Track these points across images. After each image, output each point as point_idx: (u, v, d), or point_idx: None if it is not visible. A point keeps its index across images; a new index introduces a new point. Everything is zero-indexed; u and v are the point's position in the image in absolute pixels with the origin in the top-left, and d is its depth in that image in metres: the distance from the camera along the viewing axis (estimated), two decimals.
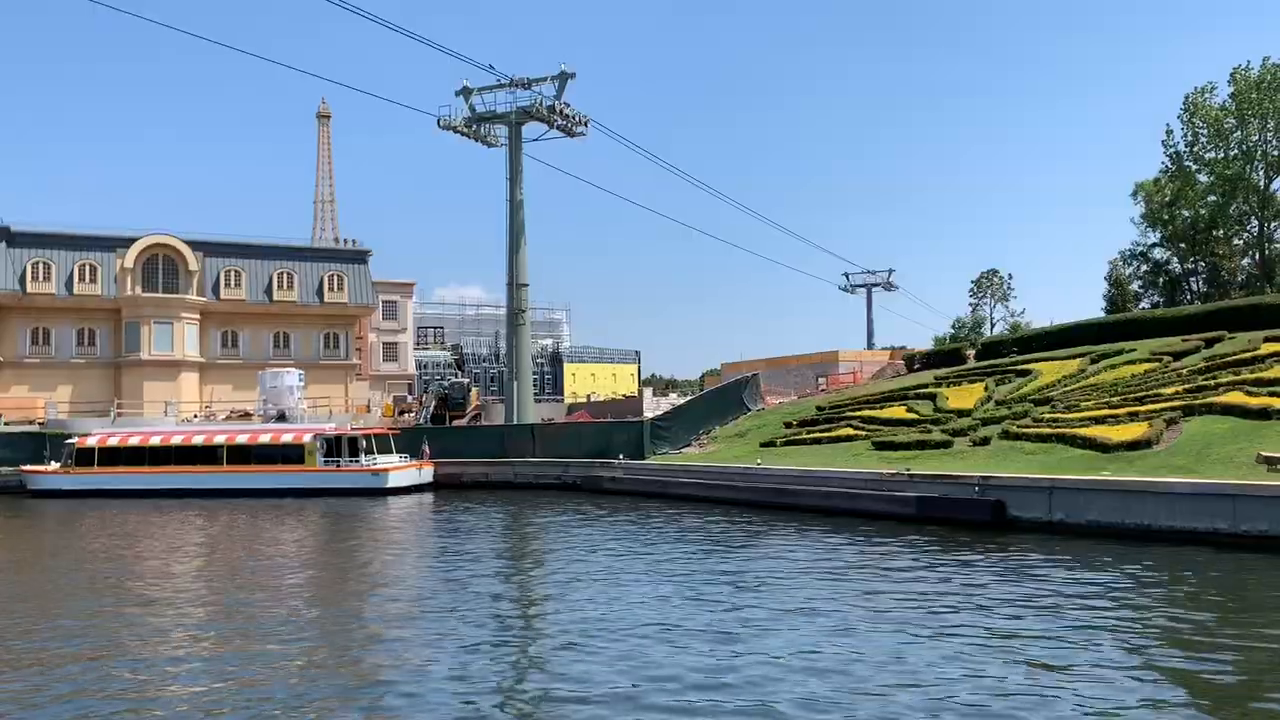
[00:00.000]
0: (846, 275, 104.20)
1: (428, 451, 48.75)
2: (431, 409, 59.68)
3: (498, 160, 56.59)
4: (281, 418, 52.31)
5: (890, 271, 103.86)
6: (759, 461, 38.05)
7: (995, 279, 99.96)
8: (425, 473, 47.69)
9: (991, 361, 46.19)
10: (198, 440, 48.25)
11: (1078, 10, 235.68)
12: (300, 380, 55.45)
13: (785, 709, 11.55)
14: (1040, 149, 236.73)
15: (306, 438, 47.35)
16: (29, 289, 63.91)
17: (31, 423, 55.82)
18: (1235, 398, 29.45)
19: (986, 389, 39.39)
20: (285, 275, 71.01)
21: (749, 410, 49.40)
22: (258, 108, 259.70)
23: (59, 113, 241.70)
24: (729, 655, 13.99)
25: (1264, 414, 27.64)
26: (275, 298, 70.77)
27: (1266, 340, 34.54)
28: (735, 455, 41.03)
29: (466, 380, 71.09)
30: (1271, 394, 28.79)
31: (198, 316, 68.16)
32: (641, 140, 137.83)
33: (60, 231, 65.99)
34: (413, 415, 61.48)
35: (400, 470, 46.44)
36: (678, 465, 41.93)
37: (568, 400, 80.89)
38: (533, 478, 47.18)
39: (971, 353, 51.55)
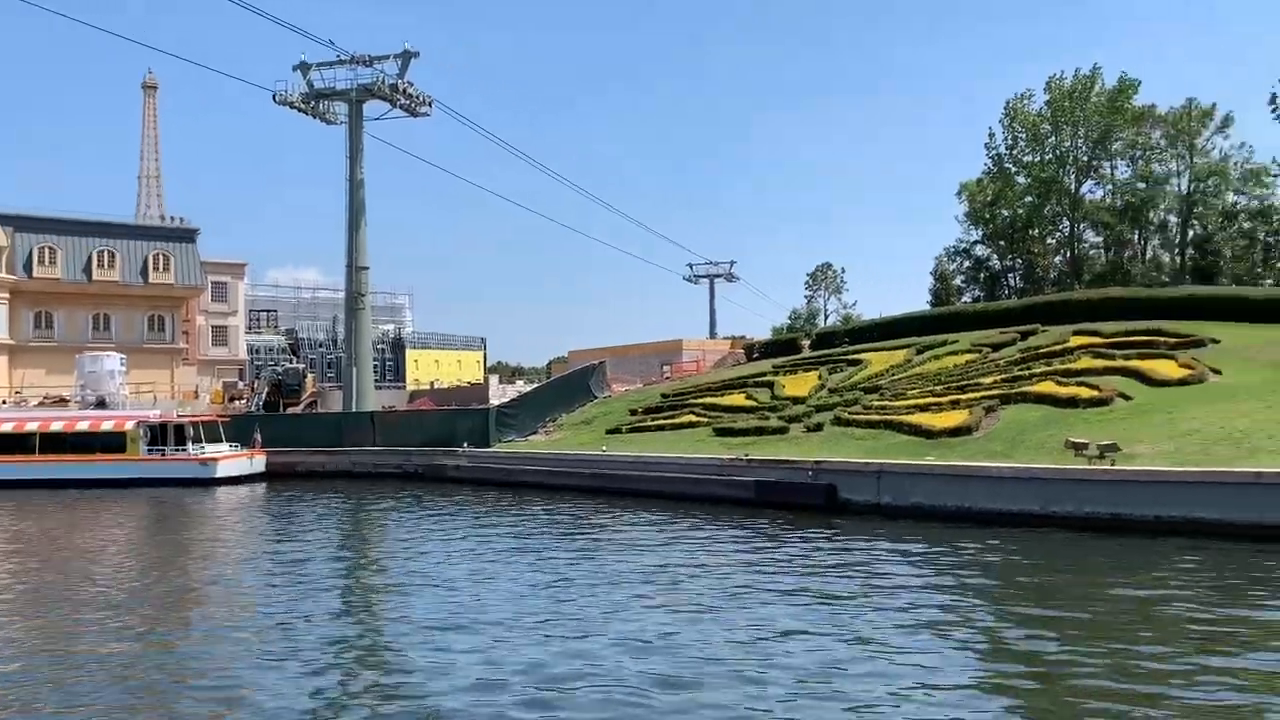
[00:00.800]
0: (690, 266, 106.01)
1: (259, 440, 47.01)
2: (264, 396, 57.60)
3: (338, 139, 55.02)
4: (101, 404, 49.38)
5: (732, 263, 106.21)
6: (604, 448, 38.38)
7: (829, 272, 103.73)
8: (257, 462, 45.98)
9: (825, 351, 47.95)
10: (7, 428, 45.08)
11: (909, 11, 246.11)
12: (122, 365, 52.47)
13: (624, 695, 11.73)
14: (874, 147, 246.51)
15: (128, 425, 44.96)
16: None
17: None
18: (1047, 387, 31.51)
19: (820, 378, 40.85)
20: (106, 253, 66.94)
21: (595, 398, 49.71)
22: (76, 76, 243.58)
23: None
24: (569, 642, 14.08)
25: (1072, 402, 29.67)
26: (95, 277, 66.62)
27: (1075, 334, 37.10)
28: (581, 442, 41.23)
29: (302, 366, 68.80)
30: (1079, 384, 30.92)
31: (7, 295, 63.47)
32: (493, 127, 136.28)
33: None
34: (244, 402, 59.24)
35: (230, 459, 44.63)
36: (523, 453, 41.84)
37: (410, 387, 79.42)
38: (372, 467, 46.15)
39: (807, 343, 53.41)
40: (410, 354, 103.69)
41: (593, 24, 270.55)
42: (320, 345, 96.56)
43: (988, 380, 34.19)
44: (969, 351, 38.98)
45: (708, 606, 16.17)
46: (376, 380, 64.33)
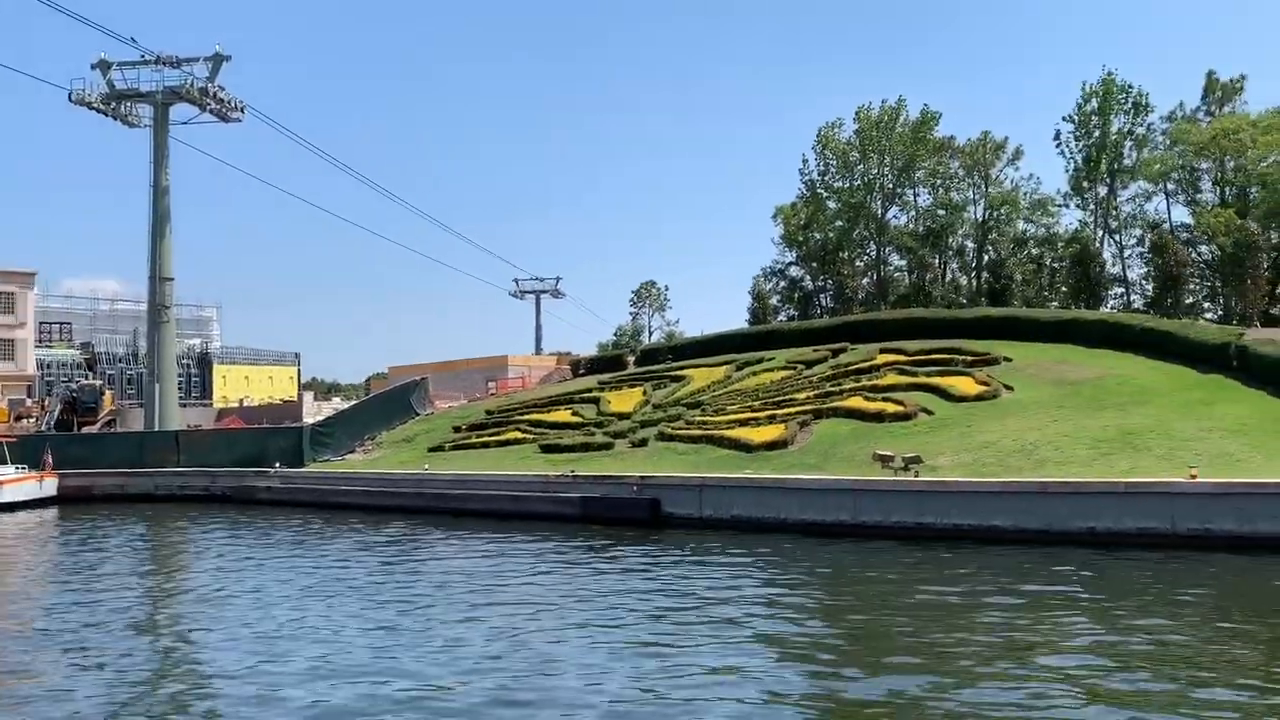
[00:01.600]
0: (516, 281, 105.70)
1: (49, 461, 43.69)
2: (57, 414, 53.77)
3: (141, 142, 52.05)
4: None
5: (558, 279, 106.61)
6: (426, 466, 37.64)
7: (653, 290, 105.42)
8: (47, 485, 42.68)
9: (649, 368, 48.70)
10: None
11: (731, 38, 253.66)
12: None
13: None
14: (699, 167, 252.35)
15: None
16: None
17: None
18: (856, 403, 33.06)
19: (645, 393, 41.46)
20: None
21: (417, 415, 48.71)
22: None
23: None
24: (386, 667, 13.75)
25: (879, 417, 31.24)
26: None
27: (881, 351, 39.08)
28: (402, 461, 40.31)
29: (99, 382, 64.48)
30: (885, 399, 32.58)
31: None
32: (316, 137, 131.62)
33: None
34: (33, 421, 55.04)
35: (15, 483, 41.21)
36: (339, 473, 40.53)
37: (218, 405, 75.72)
38: (176, 489, 43.63)
39: (632, 359, 54.11)
40: (218, 370, 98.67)
41: (418, 31, 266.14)
42: (120, 360, 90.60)
43: (802, 396, 35.54)
44: (785, 368, 40.42)
45: (518, 626, 16.07)
46: (182, 398, 61.05)
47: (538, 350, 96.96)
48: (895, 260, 76.95)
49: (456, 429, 43.29)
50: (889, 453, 26.97)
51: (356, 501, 36.89)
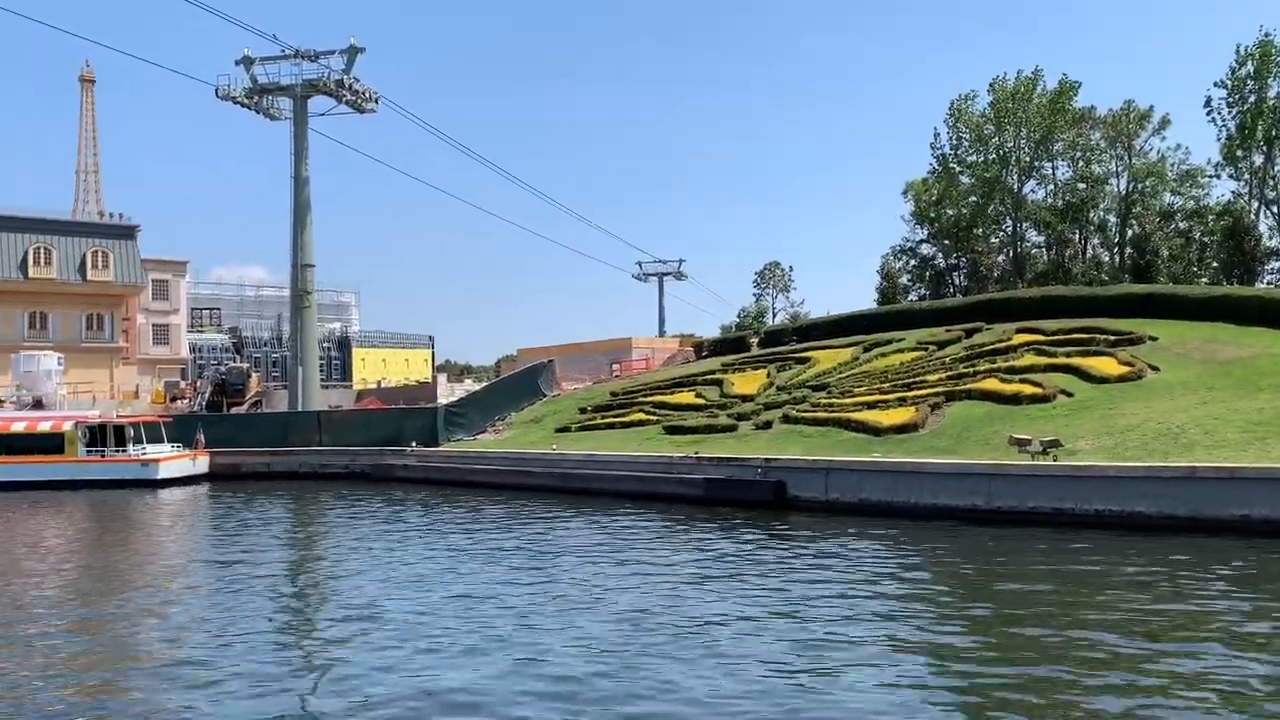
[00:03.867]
0: (639, 264, 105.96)
1: (202, 440, 46.20)
2: (208, 395, 56.60)
3: (282, 135, 54.30)
4: (38, 405, 48.20)
5: (681, 261, 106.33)
6: (554, 446, 38.26)
7: (777, 271, 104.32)
8: (200, 463, 45.18)
9: (773, 349, 48.24)
10: None
11: (858, 11, 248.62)
12: (59, 364, 51.29)
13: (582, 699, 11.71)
14: (823, 145, 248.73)
15: (67, 426, 43.94)
16: None
17: None
18: (991, 384, 32.01)
19: (769, 375, 41.10)
20: (42, 250, 65.32)
21: (545, 396, 49.54)
22: (10, 67, 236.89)
23: None
24: (513, 646, 14.03)
25: (1015, 399, 30.18)
26: (31, 274, 64.99)
27: (1019, 331, 37.73)
28: (531, 441, 41.07)
29: (246, 365, 67.83)
30: (1022, 381, 31.45)
31: None
32: (443, 124, 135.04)
33: None
34: (187, 402, 58.15)
35: (172, 460, 43.80)
36: (472, 452, 41.57)
37: (357, 386, 78.53)
38: (318, 467, 45.56)
39: (755, 341, 53.71)
40: (357, 352, 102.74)
41: (539, 21, 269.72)
42: (265, 344, 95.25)
43: (933, 378, 34.63)
44: (915, 349, 39.46)
45: (651, 605, 16.15)
46: (322, 379, 63.60)
47: (661, 332, 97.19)
48: (1033, 236, 74.11)
49: (582, 410, 43.84)
50: (1026, 436, 26.03)
51: (489, 480, 37.78)
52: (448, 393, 56.97)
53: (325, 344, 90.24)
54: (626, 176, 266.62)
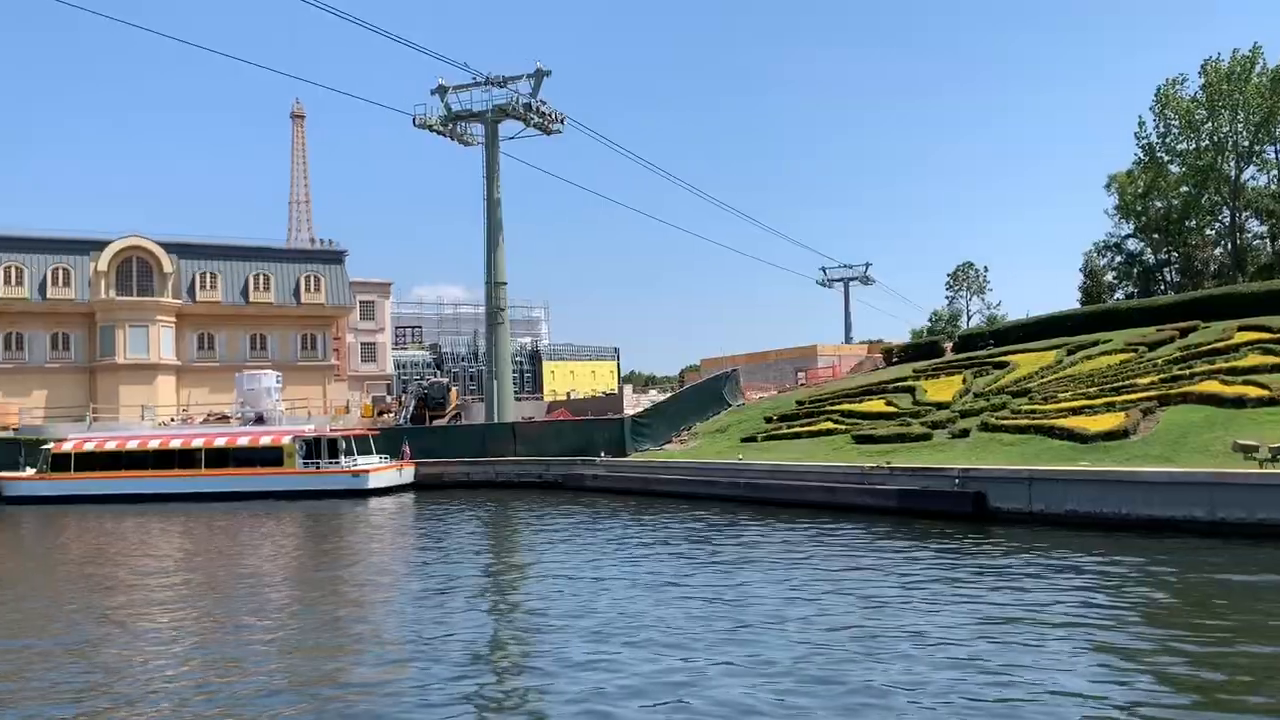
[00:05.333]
0: (824, 269, 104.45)
1: (408, 452, 48.56)
2: (411, 409, 59.43)
3: (475, 159, 56.50)
4: (260, 420, 51.96)
5: (867, 265, 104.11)
6: (740, 456, 38.14)
7: (971, 272, 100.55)
8: (406, 473, 47.52)
9: (969, 354, 46.47)
10: (175, 444, 47.86)
11: (1047, 6, 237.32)
12: (278, 382, 55.15)
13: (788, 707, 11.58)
14: (1014, 141, 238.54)
15: (285, 440, 47.09)
16: (1, 293, 63.19)
17: (5, 429, 55.16)
18: (1211, 386, 29.75)
19: (964, 381, 39.62)
20: (261, 276, 70.51)
21: (730, 406, 49.52)
22: (230, 109, 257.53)
23: (32, 117, 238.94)
24: (731, 657, 13.99)
25: (1239, 402, 27.94)
26: (251, 299, 70.25)
27: (1240, 329, 34.92)
28: (717, 451, 41.11)
29: (446, 380, 70.85)
30: (1246, 382, 29.10)
31: (173, 319, 67.53)
32: (618, 137, 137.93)
33: (33, 235, 65.25)
34: (392, 415, 61.24)
35: (381, 471, 46.24)
36: (659, 462, 41.98)
37: (547, 398, 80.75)
38: (514, 476, 47.13)
39: (949, 345, 51.88)
40: (547, 365, 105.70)
41: (715, 35, 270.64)
42: (462, 359, 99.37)
43: (1145, 380, 32.52)
44: (1123, 351, 37.17)
45: (854, 621, 15.79)
46: (515, 392, 65.76)
47: (847, 339, 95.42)
48: (1254, 226, 68.50)
49: (768, 419, 43.52)
50: (1253, 442, 24.04)
51: (676, 490, 38.05)
52: (633, 404, 57.73)
53: (518, 358, 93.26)
54: (810, 182, 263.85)
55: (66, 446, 48.09)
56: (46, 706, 12.45)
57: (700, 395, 50.78)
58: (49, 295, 64.44)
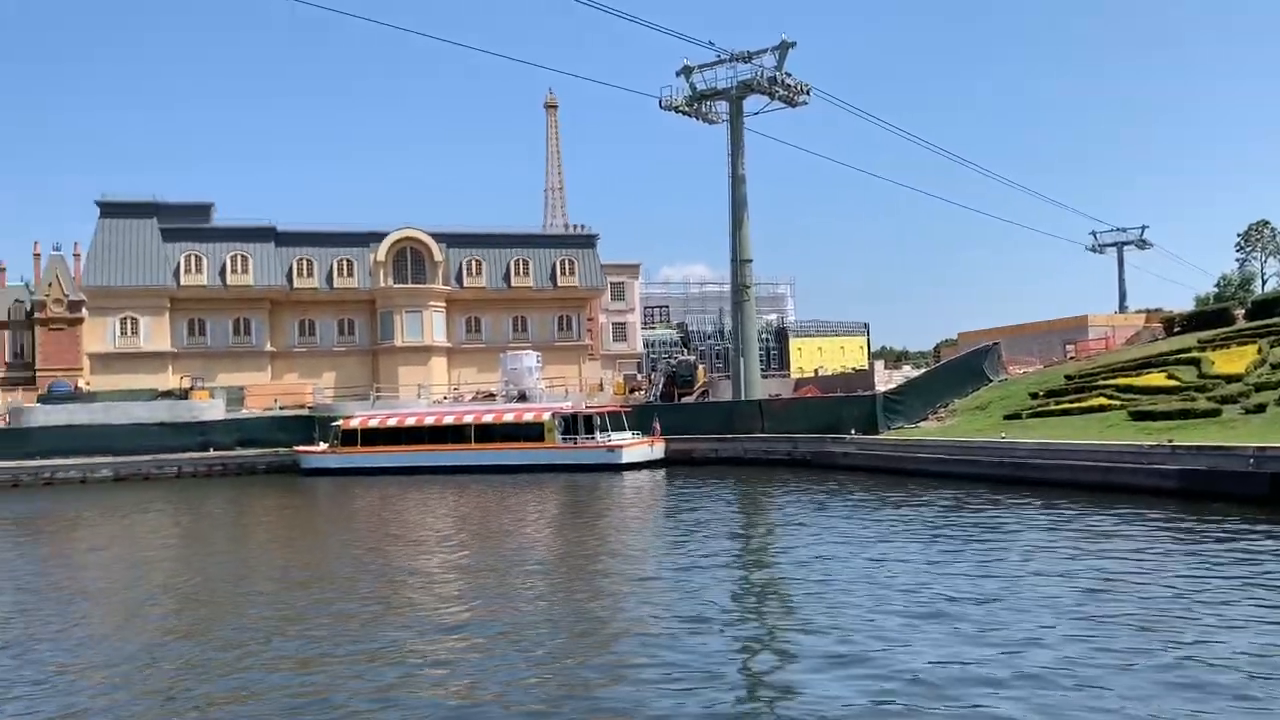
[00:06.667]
0: (1094, 234, 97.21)
1: (658, 428, 49.62)
2: (661, 387, 60.70)
3: (718, 137, 56.70)
4: (522, 397, 54.75)
5: (1143, 228, 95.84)
6: (1003, 435, 36.32)
7: (1265, 230, 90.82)
8: (657, 449, 48.59)
9: (1265, 322, 41.95)
10: (448, 420, 51.22)
11: None
12: (538, 361, 57.96)
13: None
14: None
15: (546, 416, 49.28)
16: (295, 284, 69.88)
17: (301, 407, 60.95)
18: None
19: (1260, 352, 35.86)
20: (521, 262, 74.18)
21: (990, 381, 47.29)
22: (484, 102, 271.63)
23: (310, 120, 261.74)
24: (1002, 650, 13.39)
25: None
26: (512, 284, 74.10)
27: None
28: (977, 429, 39.35)
29: (694, 358, 71.86)
30: None
31: (444, 304, 72.36)
32: (860, 102, 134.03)
33: (320, 230, 71.70)
34: (643, 393, 62.78)
35: (634, 446, 47.53)
36: (914, 440, 40.69)
37: (794, 375, 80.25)
38: (762, 453, 47.13)
39: (1240, 313, 47.09)
40: (793, 342, 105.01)
41: None
42: (708, 337, 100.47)
43: None
44: None
45: (1139, 621, 14.54)
46: (762, 369, 65.70)
47: (1121, 308, 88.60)
48: None
49: (1033, 395, 41.18)
50: None
51: (932, 469, 36.76)
52: (885, 380, 56.29)
53: (764, 335, 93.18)
54: (1077, 144, 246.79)
55: (353, 423, 52.53)
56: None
57: (957, 371, 48.77)
58: (335, 285, 70.66)
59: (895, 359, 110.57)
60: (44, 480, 50.31)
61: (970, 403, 44.79)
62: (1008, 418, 39.25)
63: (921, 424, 43.67)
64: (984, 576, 17.53)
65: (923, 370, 58.73)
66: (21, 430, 52.68)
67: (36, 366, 75.15)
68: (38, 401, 57.79)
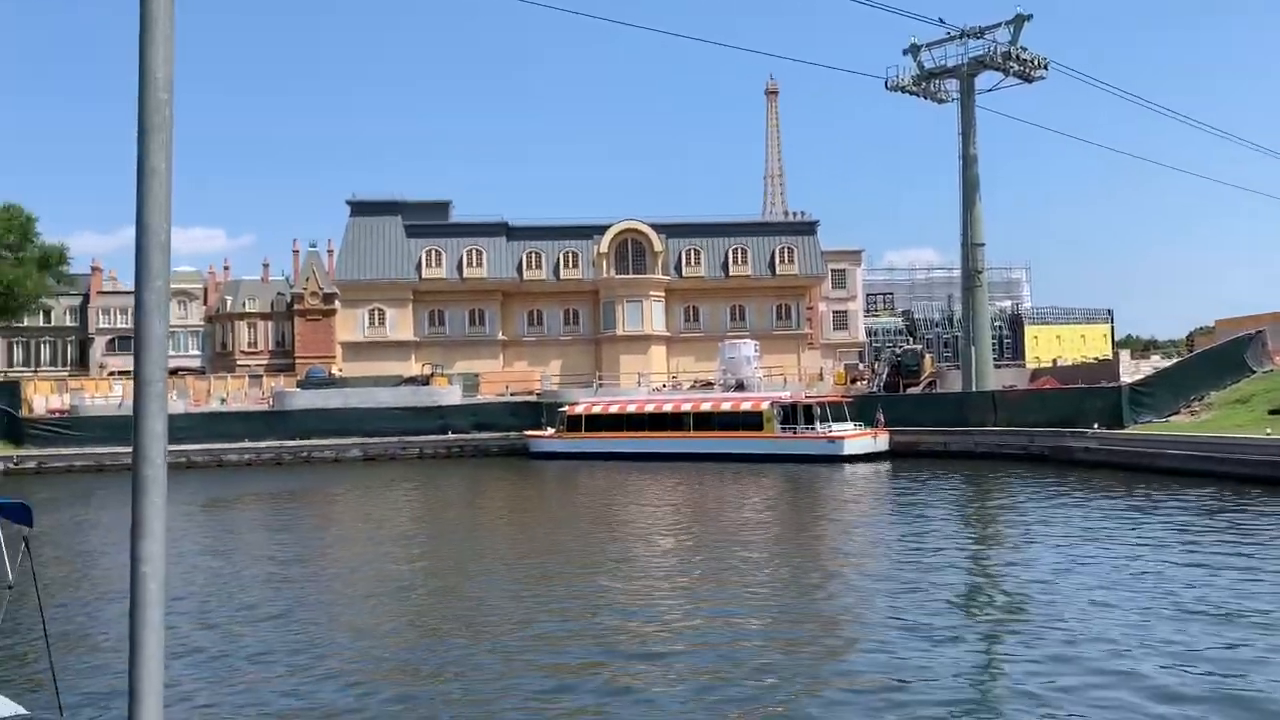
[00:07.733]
0: None
1: (882, 419, 48.26)
2: (885, 377, 59.04)
3: (947, 118, 54.53)
4: (740, 386, 54.67)
5: None
6: (1268, 431, 33.03)
7: None
8: (880, 440, 47.26)
9: None
10: (667, 408, 51.91)
11: None
12: (756, 351, 57.65)
13: None
14: None
15: (764, 405, 48.98)
16: (524, 276, 72.80)
17: (529, 393, 63.39)
18: None
19: None
20: (739, 250, 74.08)
21: (1253, 373, 43.07)
22: (703, 90, 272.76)
23: (536, 119, 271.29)
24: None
25: None
26: (730, 273, 74.14)
27: None
28: (1236, 424, 35.98)
29: (920, 347, 69.54)
30: None
31: (663, 294, 73.36)
32: (1101, 74, 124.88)
33: (547, 224, 74.33)
34: (865, 383, 61.33)
35: (856, 438, 46.41)
36: (1165, 435, 37.63)
37: (1030, 365, 76.17)
38: (994, 447, 44.92)
39: None
40: (1029, 330, 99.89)
41: None
42: (936, 325, 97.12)
43: None
44: None
45: None
46: (994, 359, 62.74)
47: None
48: None
49: None
50: None
51: (1186, 466, 33.84)
52: (1131, 370, 52.42)
53: (996, 323, 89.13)
54: None
55: (578, 409, 54.15)
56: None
57: (1214, 360, 44.72)
58: (561, 276, 73.07)
59: (1142, 348, 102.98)
60: (303, 458, 54.75)
61: (1229, 395, 41.00)
62: (1273, 413, 35.64)
63: (1172, 418, 40.36)
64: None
65: (1174, 360, 54.26)
66: (284, 413, 57.51)
67: (296, 354, 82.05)
68: (297, 386, 62.91)
